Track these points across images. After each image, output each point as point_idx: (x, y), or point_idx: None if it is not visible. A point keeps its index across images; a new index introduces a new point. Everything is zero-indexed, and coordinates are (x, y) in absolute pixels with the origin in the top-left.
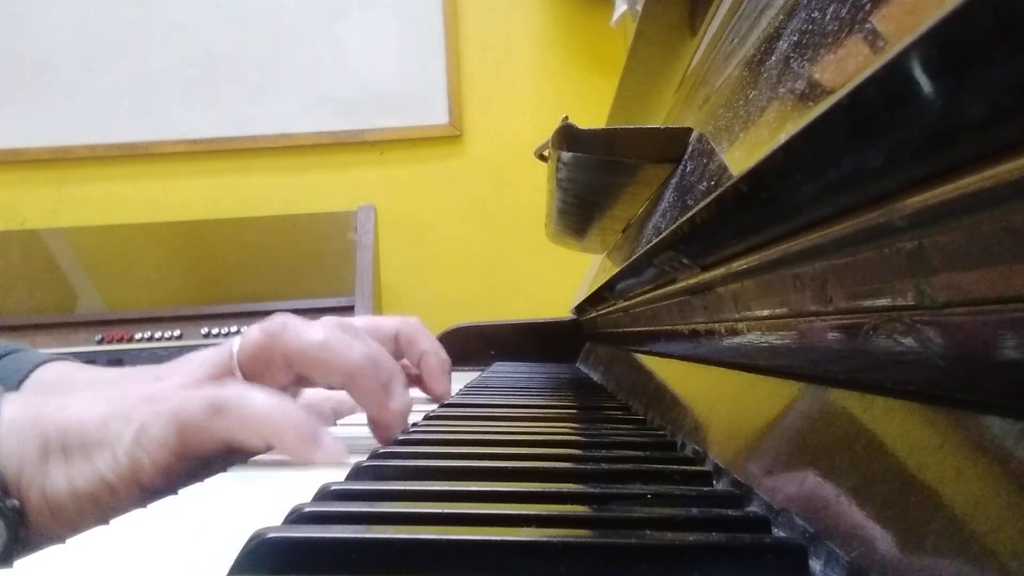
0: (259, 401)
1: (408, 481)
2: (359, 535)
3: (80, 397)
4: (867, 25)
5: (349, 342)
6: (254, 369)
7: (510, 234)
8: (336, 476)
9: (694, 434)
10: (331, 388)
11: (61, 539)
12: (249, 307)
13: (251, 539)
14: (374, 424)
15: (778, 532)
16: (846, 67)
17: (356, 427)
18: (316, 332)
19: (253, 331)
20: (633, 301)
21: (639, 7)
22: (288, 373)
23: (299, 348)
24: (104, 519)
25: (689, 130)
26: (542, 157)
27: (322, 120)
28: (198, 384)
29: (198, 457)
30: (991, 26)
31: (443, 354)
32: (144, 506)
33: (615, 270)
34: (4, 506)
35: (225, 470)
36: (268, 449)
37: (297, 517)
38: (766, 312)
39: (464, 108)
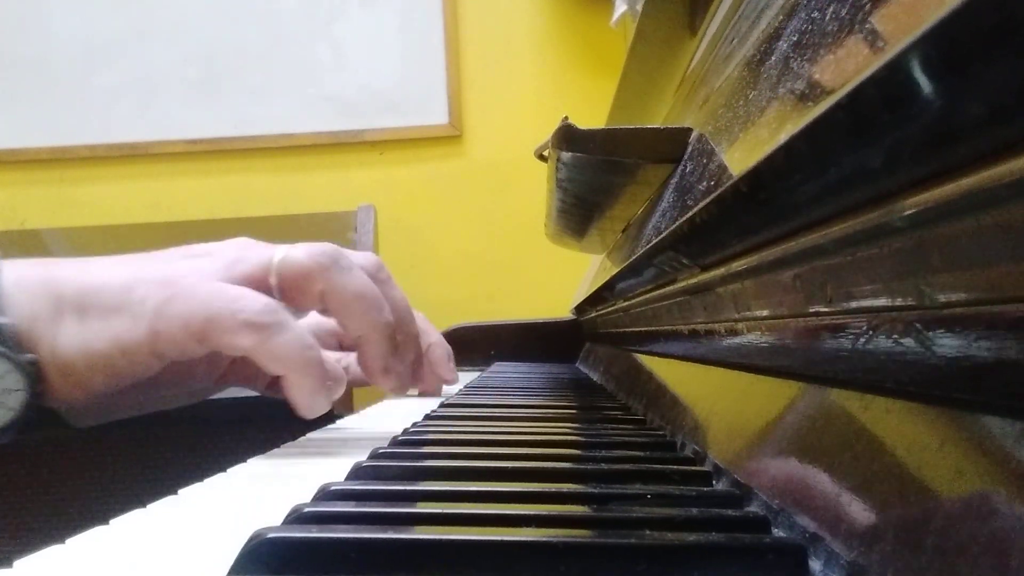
0: (291, 338)
1: (408, 481)
2: (359, 535)
3: (101, 262)
4: (867, 25)
5: (381, 305)
6: (289, 289)
7: (510, 234)
8: (336, 476)
9: (694, 434)
10: (346, 334)
11: (74, 405)
12: None
13: (251, 539)
14: (370, 378)
15: (778, 532)
16: (846, 67)
17: (355, 429)
18: (361, 279)
19: (300, 253)
20: (633, 301)
21: (639, 7)
22: (318, 306)
23: (339, 290)
24: (116, 385)
25: (689, 130)
26: (542, 157)
27: (322, 120)
28: (238, 280)
29: (217, 350)
30: (991, 26)
31: (447, 345)
32: (159, 374)
33: (615, 270)
34: (20, 360)
35: (225, 470)
36: (274, 377)
37: (297, 517)
38: (766, 312)
39: (464, 108)
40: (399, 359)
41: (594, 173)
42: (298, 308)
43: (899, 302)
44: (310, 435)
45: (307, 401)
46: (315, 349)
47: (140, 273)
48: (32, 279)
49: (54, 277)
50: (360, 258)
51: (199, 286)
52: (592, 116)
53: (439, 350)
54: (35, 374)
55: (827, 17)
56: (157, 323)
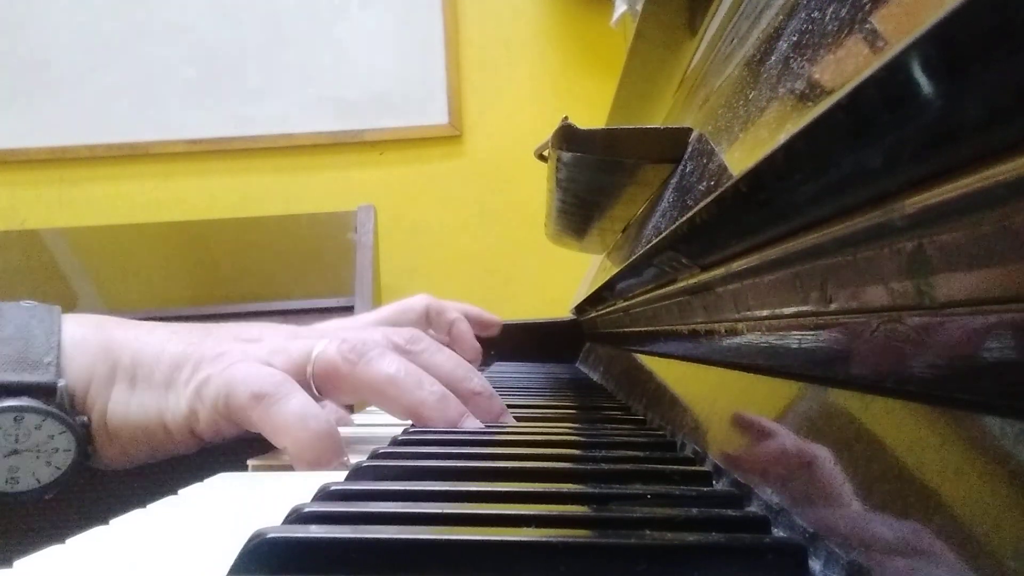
0: (291, 408)
1: (408, 481)
2: (359, 535)
3: (159, 333)
4: (867, 25)
5: (418, 380)
6: (325, 384)
7: (510, 234)
8: (336, 476)
9: (694, 434)
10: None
11: (118, 467)
12: (249, 307)
13: (251, 539)
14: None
15: (778, 532)
16: (846, 67)
17: (356, 430)
18: (389, 365)
19: (332, 351)
20: (633, 301)
21: (639, 7)
22: (355, 397)
23: (368, 382)
24: (156, 456)
25: (689, 130)
26: (542, 157)
27: (322, 120)
28: (265, 365)
29: (243, 427)
30: (991, 26)
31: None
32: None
33: (615, 270)
34: (74, 422)
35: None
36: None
37: (297, 517)
38: (766, 312)
39: (464, 108)
40: (462, 412)
41: (594, 173)
42: (336, 400)
43: (899, 302)
44: None
45: (303, 469)
46: (317, 419)
47: (191, 351)
48: (92, 341)
49: (113, 341)
50: (395, 336)
51: (229, 368)
52: (592, 116)
53: (462, 325)
54: (85, 437)
55: (827, 17)
56: (195, 403)
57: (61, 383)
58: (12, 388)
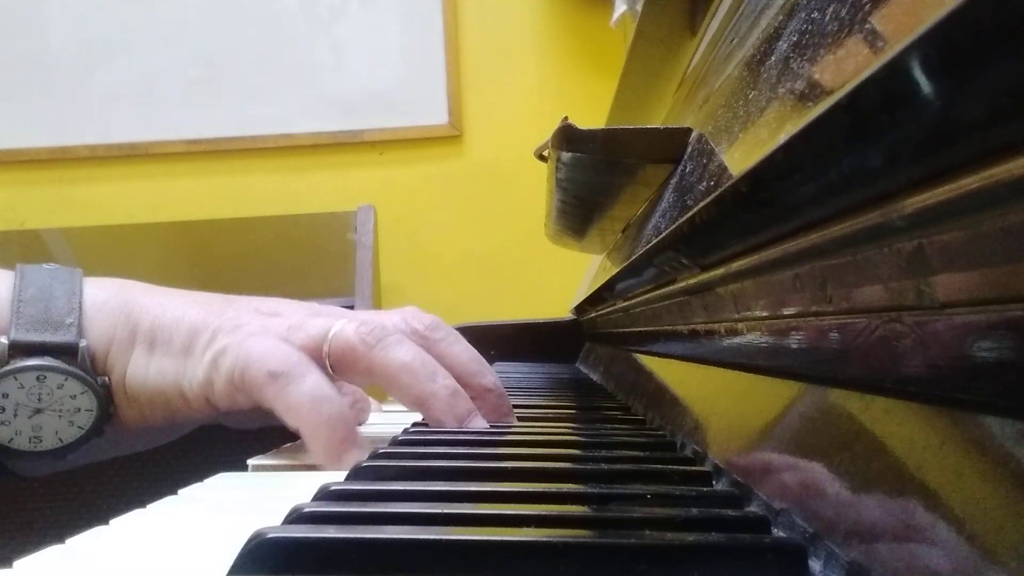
0: (305, 390)
1: (408, 481)
2: (359, 535)
3: (180, 299)
4: (867, 25)
5: (432, 372)
6: (339, 365)
7: (510, 234)
8: (336, 476)
9: (694, 434)
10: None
11: (138, 430)
12: None
13: (251, 539)
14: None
15: (778, 532)
16: (846, 67)
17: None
18: (405, 353)
19: (350, 332)
20: (633, 301)
21: (639, 7)
22: (368, 380)
23: (383, 367)
24: (173, 423)
25: (689, 130)
26: (542, 157)
27: (322, 120)
28: (283, 342)
29: (257, 401)
30: (991, 26)
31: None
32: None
33: (615, 270)
34: (95, 382)
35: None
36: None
37: (297, 517)
38: (766, 312)
39: (464, 108)
40: (470, 410)
41: (594, 173)
42: (350, 382)
43: (899, 302)
44: None
45: (321, 459)
46: (331, 402)
47: (210, 319)
48: (113, 304)
49: (134, 304)
50: (415, 322)
51: (247, 340)
52: (592, 116)
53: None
54: (107, 397)
55: (827, 17)
56: (211, 373)
57: (83, 343)
58: (35, 348)
